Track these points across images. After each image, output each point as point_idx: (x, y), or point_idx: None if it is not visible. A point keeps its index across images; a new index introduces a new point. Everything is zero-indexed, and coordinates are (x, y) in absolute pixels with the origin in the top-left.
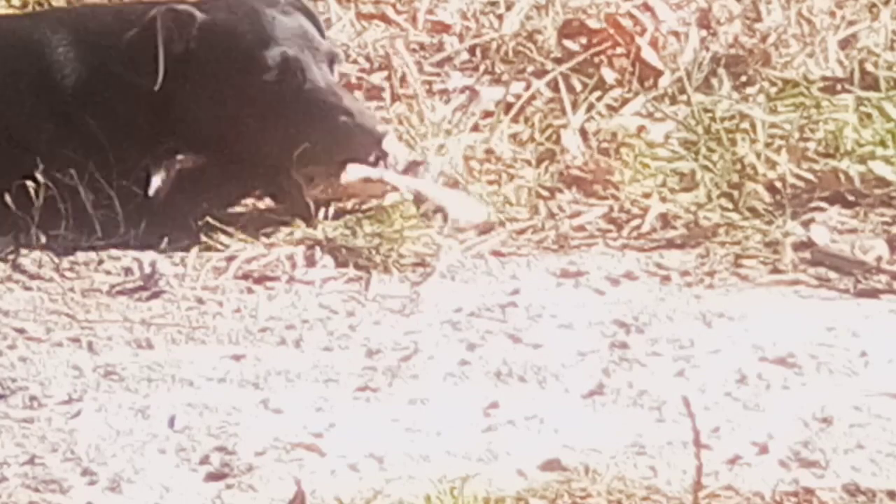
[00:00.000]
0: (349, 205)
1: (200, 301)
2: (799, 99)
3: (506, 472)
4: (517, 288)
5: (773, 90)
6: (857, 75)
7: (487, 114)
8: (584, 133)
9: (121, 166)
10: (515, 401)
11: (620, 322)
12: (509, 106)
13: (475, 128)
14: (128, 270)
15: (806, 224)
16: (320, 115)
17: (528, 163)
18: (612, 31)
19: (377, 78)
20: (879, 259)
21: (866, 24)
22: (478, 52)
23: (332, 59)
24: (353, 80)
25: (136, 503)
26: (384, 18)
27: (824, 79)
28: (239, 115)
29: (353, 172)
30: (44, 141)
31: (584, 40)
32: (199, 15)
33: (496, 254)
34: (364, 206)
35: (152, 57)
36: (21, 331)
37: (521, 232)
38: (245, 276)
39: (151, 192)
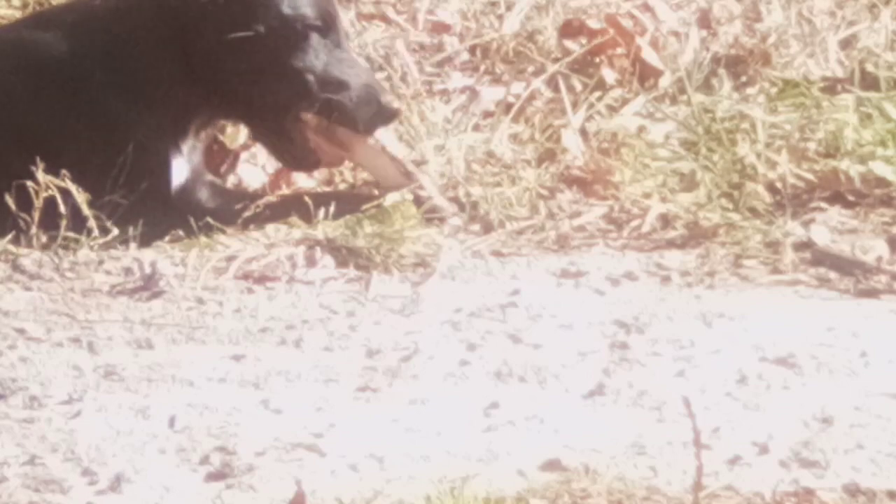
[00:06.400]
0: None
1: (200, 301)
2: (799, 99)
3: (506, 472)
4: (517, 288)
5: (773, 90)
6: (857, 75)
7: (487, 114)
8: (584, 133)
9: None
10: (515, 401)
11: (620, 322)
12: (509, 106)
13: (475, 128)
14: (128, 270)
15: (806, 224)
16: (351, 77)
17: (528, 163)
18: (612, 31)
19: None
20: (879, 259)
21: (866, 25)
22: (478, 52)
23: (346, 34)
24: None
25: (136, 503)
26: (384, 19)
27: (824, 79)
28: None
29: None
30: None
31: (584, 40)
32: None
33: (496, 254)
34: (364, 207)
35: None
36: (21, 331)
37: (521, 232)
38: (245, 276)
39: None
